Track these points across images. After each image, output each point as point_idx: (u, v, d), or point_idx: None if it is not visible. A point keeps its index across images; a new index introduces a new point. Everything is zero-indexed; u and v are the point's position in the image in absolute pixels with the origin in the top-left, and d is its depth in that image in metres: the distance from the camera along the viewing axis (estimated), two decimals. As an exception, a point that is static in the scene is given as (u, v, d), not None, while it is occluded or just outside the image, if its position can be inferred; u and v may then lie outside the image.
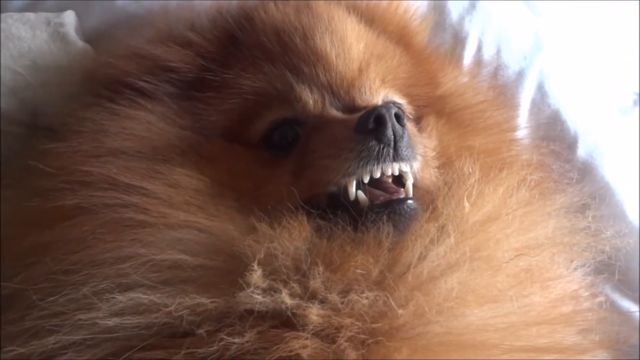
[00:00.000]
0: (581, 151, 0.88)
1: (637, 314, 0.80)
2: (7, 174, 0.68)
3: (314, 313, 0.50)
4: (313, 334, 0.49)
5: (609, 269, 0.80)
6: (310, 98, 0.64)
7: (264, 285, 0.51)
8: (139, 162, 0.61)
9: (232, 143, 0.65)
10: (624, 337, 0.73)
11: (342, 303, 0.50)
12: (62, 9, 0.77)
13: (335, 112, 0.63)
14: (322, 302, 0.51)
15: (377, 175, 0.57)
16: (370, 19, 0.74)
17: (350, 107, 0.64)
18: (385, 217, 0.55)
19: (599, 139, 0.90)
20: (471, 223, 0.57)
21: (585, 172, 0.87)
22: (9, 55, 0.69)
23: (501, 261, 0.55)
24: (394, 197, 0.57)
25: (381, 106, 0.59)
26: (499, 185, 0.62)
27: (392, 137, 0.57)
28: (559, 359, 0.56)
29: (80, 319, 0.51)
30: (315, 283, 0.51)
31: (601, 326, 0.65)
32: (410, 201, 0.57)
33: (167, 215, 0.56)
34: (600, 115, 0.94)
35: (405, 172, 0.59)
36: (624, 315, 0.79)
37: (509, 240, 0.57)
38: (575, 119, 0.90)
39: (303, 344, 0.49)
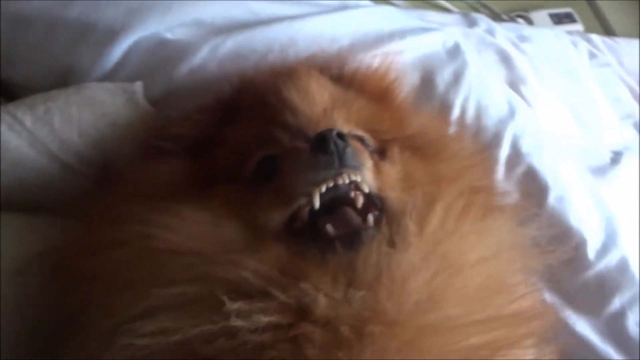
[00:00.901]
0: (551, 199, 1.04)
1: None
2: (75, 209, 0.83)
3: (321, 306, 0.61)
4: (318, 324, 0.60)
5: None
6: (283, 137, 0.79)
7: (241, 310, 0.61)
8: (158, 202, 0.75)
9: (229, 183, 0.79)
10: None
11: (340, 300, 0.62)
12: (131, 81, 0.98)
13: (302, 143, 0.76)
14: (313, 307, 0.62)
15: (331, 184, 0.70)
16: (349, 80, 0.93)
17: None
18: (347, 245, 0.67)
19: (566, 190, 1.06)
20: (430, 234, 0.71)
21: (553, 217, 1.02)
22: (94, 116, 0.89)
23: (464, 266, 0.69)
24: (356, 227, 0.70)
25: (324, 129, 0.73)
26: (454, 203, 0.75)
27: (335, 149, 0.70)
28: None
29: (120, 343, 0.61)
30: (299, 295, 0.62)
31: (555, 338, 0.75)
32: (370, 230, 0.70)
33: (176, 243, 0.69)
34: (568, 170, 1.12)
35: (357, 181, 0.72)
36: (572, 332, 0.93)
37: (468, 248, 0.71)
38: (545, 172, 1.06)
39: (312, 329, 0.60)
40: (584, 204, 1.07)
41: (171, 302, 0.63)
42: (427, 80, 1.12)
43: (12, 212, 0.83)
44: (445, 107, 1.10)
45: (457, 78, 1.13)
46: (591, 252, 1.01)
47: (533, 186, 1.06)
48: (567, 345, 0.75)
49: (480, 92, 1.13)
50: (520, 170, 1.08)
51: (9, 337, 0.74)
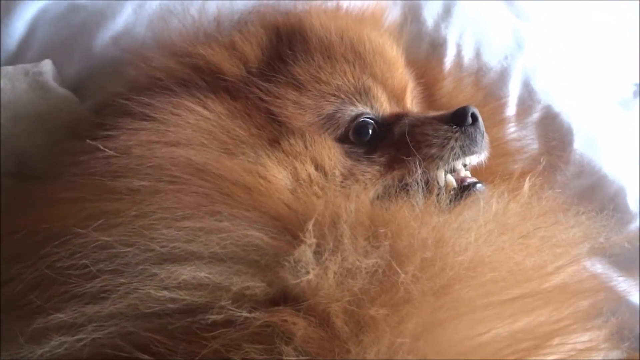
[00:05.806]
0: (577, 144, 0.87)
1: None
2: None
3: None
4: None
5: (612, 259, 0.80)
6: (384, 99, 0.72)
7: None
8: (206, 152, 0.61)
9: (314, 136, 0.67)
10: (628, 326, 0.73)
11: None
12: (42, 59, 0.78)
13: (417, 112, 0.74)
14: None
15: (474, 162, 0.69)
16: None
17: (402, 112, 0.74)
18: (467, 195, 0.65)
19: (594, 131, 0.89)
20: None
21: (583, 164, 0.86)
22: (-10, 111, 0.70)
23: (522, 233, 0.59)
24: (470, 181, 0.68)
25: (471, 106, 0.69)
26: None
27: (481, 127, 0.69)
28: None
29: (133, 287, 0.50)
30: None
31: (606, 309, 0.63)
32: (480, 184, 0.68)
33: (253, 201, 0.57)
34: (594, 107, 0.93)
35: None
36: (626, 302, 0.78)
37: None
38: (568, 112, 0.89)
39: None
40: (618, 146, 0.90)
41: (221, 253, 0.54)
42: (411, 16, 0.91)
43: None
44: (436, 46, 0.90)
45: (448, 9, 0.93)
46: (632, 201, 0.85)
47: (554, 132, 0.88)
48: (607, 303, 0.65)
49: (478, 24, 0.92)
50: (537, 115, 0.89)
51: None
